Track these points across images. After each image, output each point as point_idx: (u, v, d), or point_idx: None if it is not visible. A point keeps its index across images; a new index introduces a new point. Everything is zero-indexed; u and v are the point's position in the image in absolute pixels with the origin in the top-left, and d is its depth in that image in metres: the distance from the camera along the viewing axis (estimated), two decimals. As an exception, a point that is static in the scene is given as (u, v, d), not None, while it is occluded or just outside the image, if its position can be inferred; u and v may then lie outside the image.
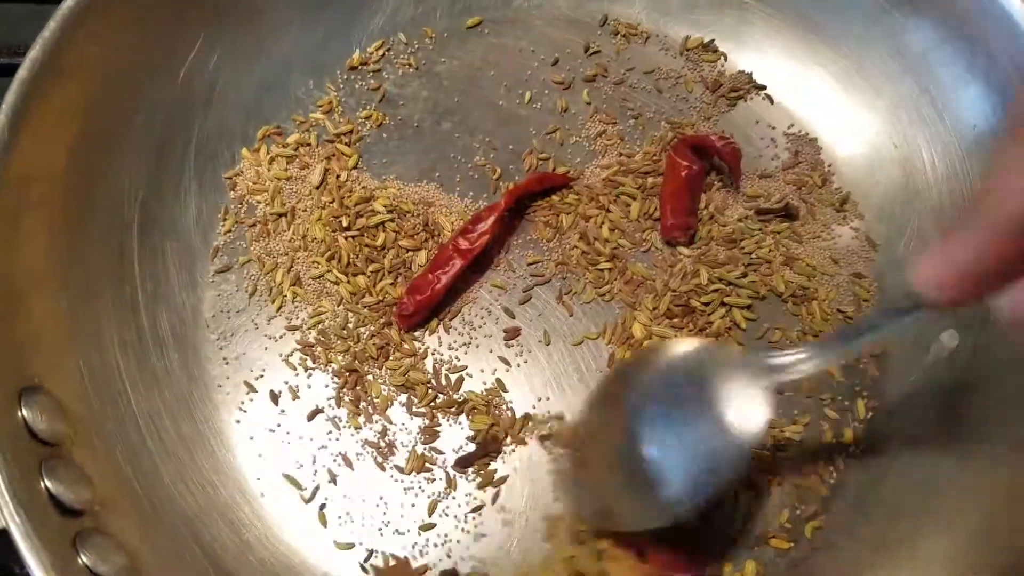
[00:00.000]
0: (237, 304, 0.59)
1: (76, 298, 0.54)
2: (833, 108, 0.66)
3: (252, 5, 0.63)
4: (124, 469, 0.51)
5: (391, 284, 0.59)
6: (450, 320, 0.58)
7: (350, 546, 0.52)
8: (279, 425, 0.56)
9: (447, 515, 0.53)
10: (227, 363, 0.57)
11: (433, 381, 0.56)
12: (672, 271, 0.60)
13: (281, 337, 0.58)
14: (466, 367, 0.57)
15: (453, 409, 0.56)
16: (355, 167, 0.63)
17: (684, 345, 0.50)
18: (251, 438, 0.55)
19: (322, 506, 0.53)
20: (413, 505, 0.53)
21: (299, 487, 0.54)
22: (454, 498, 0.54)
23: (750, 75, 0.67)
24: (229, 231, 0.61)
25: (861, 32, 0.64)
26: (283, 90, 0.65)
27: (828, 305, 0.60)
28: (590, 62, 0.68)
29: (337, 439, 0.55)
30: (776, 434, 0.56)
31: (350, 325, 0.58)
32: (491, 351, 0.58)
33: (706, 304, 0.59)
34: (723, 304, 0.59)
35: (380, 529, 0.53)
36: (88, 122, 0.55)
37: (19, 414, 0.45)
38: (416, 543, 0.53)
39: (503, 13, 0.69)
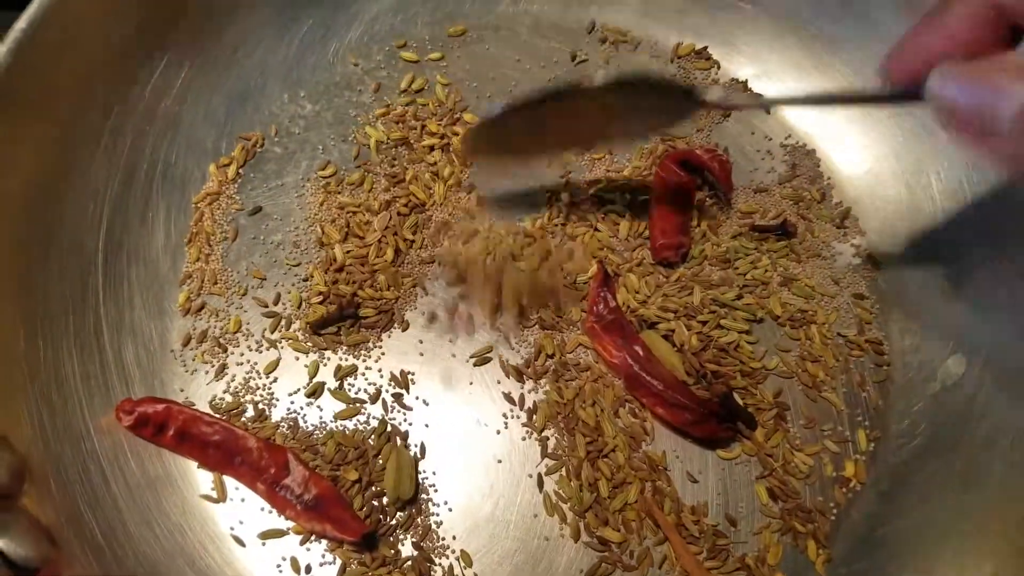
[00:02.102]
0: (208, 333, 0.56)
1: (35, 331, 0.51)
2: (833, 119, 0.63)
3: (222, 18, 0.60)
4: (85, 516, 0.48)
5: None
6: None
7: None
8: (251, 462, 0.53)
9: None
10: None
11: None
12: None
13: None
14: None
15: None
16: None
17: None
18: (223, 478, 0.53)
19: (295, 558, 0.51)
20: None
21: (279, 534, 0.51)
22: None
23: (745, 83, 0.64)
24: (198, 259, 0.58)
25: (860, 39, 0.60)
26: (256, 104, 0.62)
27: (828, 329, 0.57)
28: (577, 71, 0.64)
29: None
30: (783, 465, 0.53)
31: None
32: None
33: (703, 323, 0.56)
34: (720, 327, 0.56)
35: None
36: (48, 147, 0.52)
37: (-32, 465, 0.43)
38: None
39: (487, 20, 0.65)
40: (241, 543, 0.51)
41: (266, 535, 0.51)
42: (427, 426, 0.54)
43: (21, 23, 0.50)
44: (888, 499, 0.53)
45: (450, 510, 0.52)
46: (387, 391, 0.55)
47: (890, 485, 0.53)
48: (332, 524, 0.50)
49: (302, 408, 0.55)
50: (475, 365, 0.56)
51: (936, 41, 0.41)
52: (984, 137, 0.36)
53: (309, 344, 0.56)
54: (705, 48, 0.65)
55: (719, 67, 0.65)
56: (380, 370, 0.56)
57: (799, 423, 0.55)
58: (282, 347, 0.56)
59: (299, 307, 0.57)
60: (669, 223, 0.58)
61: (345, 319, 0.56)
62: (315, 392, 0.55)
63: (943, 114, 0.38)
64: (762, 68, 0.64)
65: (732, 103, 0.59)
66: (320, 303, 0.57)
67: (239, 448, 0.52)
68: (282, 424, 0.54)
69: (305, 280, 0.58)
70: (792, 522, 0.52)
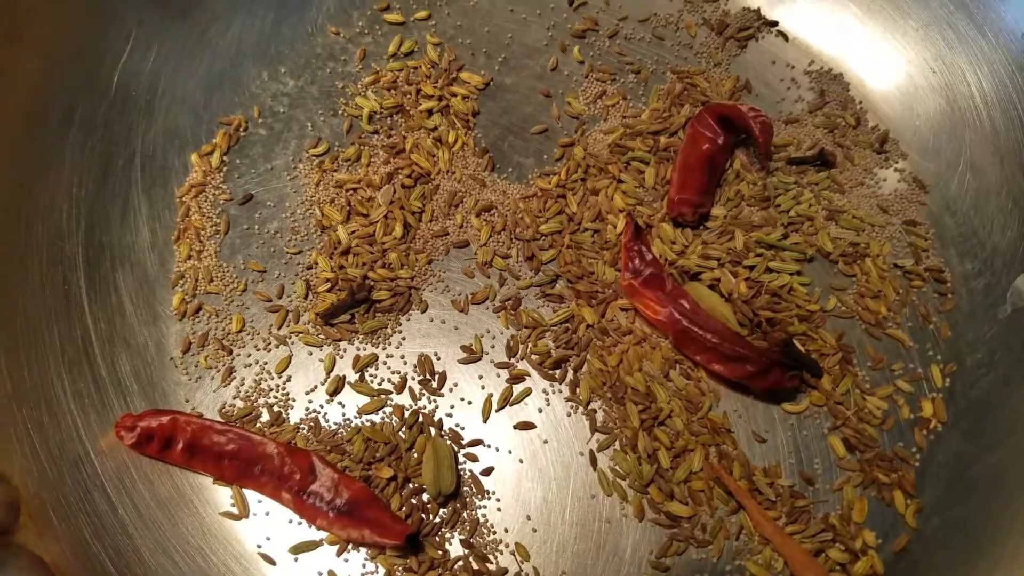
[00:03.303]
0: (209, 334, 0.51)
1: (16, 349, 0.46)
2: (857, 38, 0.58)
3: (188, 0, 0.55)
4: (92, 546, 0.43)
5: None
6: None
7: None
8: (272, 471, 0.48)
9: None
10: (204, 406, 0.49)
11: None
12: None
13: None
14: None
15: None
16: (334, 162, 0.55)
17: None
18: (243, 491, 0.47)
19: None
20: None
21: (312, 547, 0.46)
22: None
23: (758, 11, 0.60)
24: (189, 256, 0.52)
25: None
26: (234, 84, 0.57)
27: (883, 261, 0.52)
28: (577, 15, 0.60)
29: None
30: (856, 413, 0.49)
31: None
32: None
33: (750, 268, 0.52)
34: (769, 271, 0.52)
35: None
36: (12, 150, 0.47)
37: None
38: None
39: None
40: (271, 561, 0.46)
41: (298, 549, 0.46)
42: (461, 412, 0.49)
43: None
44: (973, 436, 0.49)
45: (498, 500, 0.47)
46: (413, 378, 0.50)
47: (973, 421, 0.49)
48: (370, 529, 0.45)
49: (322, 406, 0.49)
50: (506, 343, 0.51)
51: None
52: None
53: (322, 336, 0.51)
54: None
55: (729, -2, 0.60)
56: (403, 356, 0.51)
57: (867, 365, 0.50)
58: (293, 343, 0.51)
59: (306, 297, 0.52)
60: (693, 180, 0.53)
61: (358, 305, 0.51)
62: (335, 388, 0.50)
63: None
64: (775, -7, 0.60)
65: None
66: (328, 291, 0.52)
67: (257, 456, 0.47)
68: (302, 426, 0.49)
69: (309, 268, 0.53)
70: (874, 473, 0.48)
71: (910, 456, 0.48)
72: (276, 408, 0.49)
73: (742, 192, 0.54)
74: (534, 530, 0.47)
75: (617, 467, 0.48)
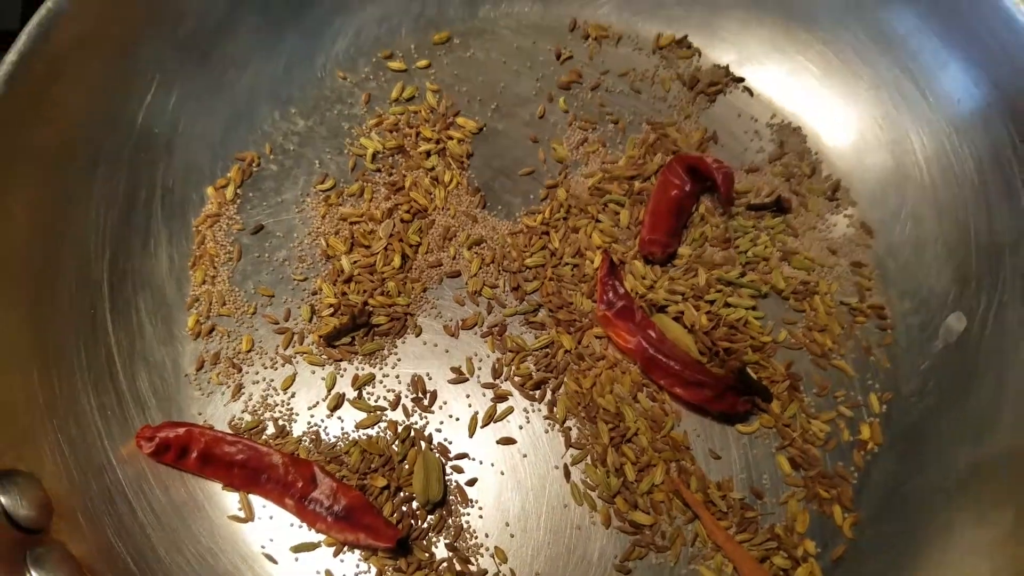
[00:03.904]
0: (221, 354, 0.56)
1: (48, 367, 0.51)
2: (815, 95, 0.64)
3: (208, 41, 0.60)
4: (115, 545, 0.48)
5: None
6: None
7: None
8: (277, 478, 0.53)
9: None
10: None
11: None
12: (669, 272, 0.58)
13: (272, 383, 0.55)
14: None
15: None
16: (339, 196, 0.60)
17: None
18: (250, 497, 0.52)
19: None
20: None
21: (311, 547, 0.51)
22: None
23: (727, 68, 0.66)
24: (203, 282, 0.57)
25: (837, 16, 0.62)
26: (249, 124, 0.62)
27: (830, 298, 0.58)
28: (563, 68, 0.65)
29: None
30: (801, 435, 0.54)
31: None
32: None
33: (711, 303, 0.57)
34: (727, 305, 0.57)
35: (394, 578, 0.50)
36: (45, 184, 0.52)
37: (-3, 503, 0.42)
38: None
39: (470, 25, 0.66)
40: (273, 560, 0.51)
41: (298, 549, 0.51)
42: (449, 428, 0.55)
43: (11, 56, 0.50)
44: (906, 458, 0.54)
45: (480, 508, 0.53)
46: (406, 396, 0.55)
47: (906, 444, 0.55)
48: (365, 533, 0.50)
49: (323, 420, 0.55)
50: (492, 366, 0.56)
51: None
52: None
53: (324, 357, 0.56)
54: (685, 37, 0.66)
55: (701, 55, 0.66)
56: (398, 376, 0.56)
57: (812, 392, 0.56)
58: (297, 362, 0.56)
59: (310, 321, 0.57)
60: (663, 223, 0.58)
61: (358, 329, 0.56)
62: (335, 404, 0.55)
63: None
64: (743, 52, 0.66)
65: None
66: (331, 315, 0.57)
67: (264, 465, 0.52)
68: (304, 438, 0.54)
69: (314, 294, 0.58)
70: (816, 489, 0.53)
71: (849, 475, 0.54)
72: (281, 422, 0.54)
73: (706, 234, 0.60)
74: (512, 535, 0.52)
75: (588, 479, 0.53)
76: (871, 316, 0.58)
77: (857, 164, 0.62)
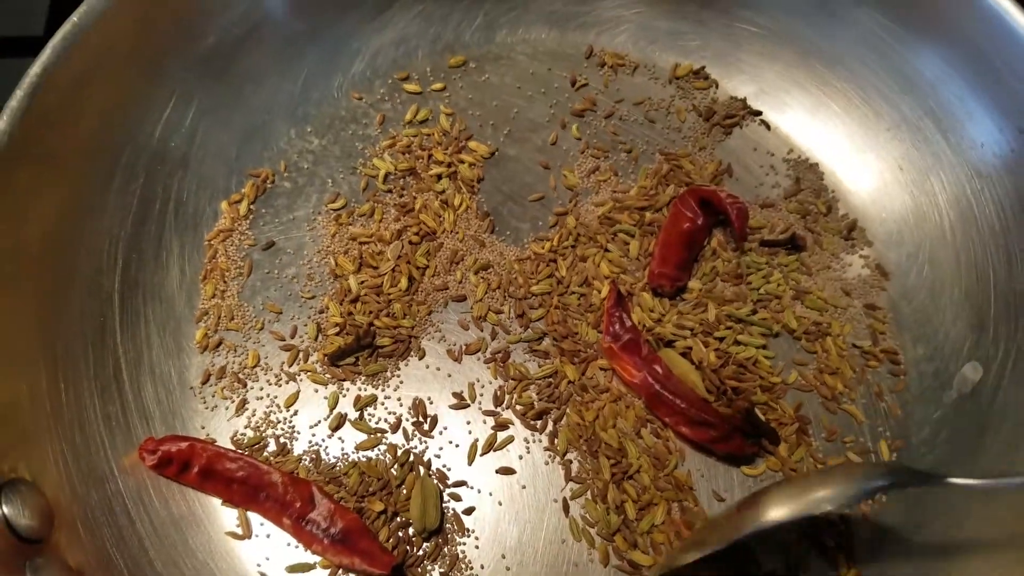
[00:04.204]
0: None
1: (56, 374, 0.51)
2: (834, 132, 0.64)
3: (228, 58, 0.60)
4: (113, 557, 0.48)
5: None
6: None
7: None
8: (275, 497, 0.53)
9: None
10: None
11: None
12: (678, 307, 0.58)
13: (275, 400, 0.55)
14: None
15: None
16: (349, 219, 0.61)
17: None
18: (248, 514, 0.52)
19: (324, 583, 0.51)
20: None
21: (306, 568, 0.51)
22: (462, 566, 0.51)
23: (744, 100, 0.65)
24: (213, 295, 0.58)
25: (859, 53, 0.62)
26: (264, 140, 0.63)
27: (843, 341, 0.57)
28: (578, 96, 0.65)
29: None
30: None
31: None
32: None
33: (720, 339, 0.57)
34: (737, 343, 0.57)
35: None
36: (62, 192, 0.53)
37: (0, 512, 0.42)
38: None
39: (486, 50, 0.66)
40: (268, 580, 0.51)
41: (293, 570, 0.51)
42: (449, 454, 0.54)
43: (35, 68, 0.51)
44: (914, 510, 0.53)
45: (477, 538, 0.52)
46: (407, 419, 0.55)
47: (915, 495, 0.53)
48: (360, 557, 0.50)
49: (324, 440, 0.55)
50: (494, 393, 0.56)
51: None
52: None
53: (328, 376, 0.56)
54: (703, 68, 0.66)
55: (718, 86, 0.66)
56: (399, 399, 0.56)
57: (821, 436, 0.55)
58: (301, 380, 0.56)
59: (316, 339, 0.57)
60: (673, 255, 0.58)
61: (362, 350, 0.56)
62: (337, 424, 0.55)
63: None
64: (761, 85, 0.65)
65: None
66: (337, 334, 0.57)
67: (264, 483, 0.52)
68: (304, 457, 0.54)
69: (321, 312, 0.58)
70: (821, 537, 0.52)
71: (855, 524, 0.53)
72: (282, 439, 0.54)
73: (717, 268, 0.59)
74: (508, 568, 0.51)
75: (587, 515, 0.53)
76: (884, 361, 0.57)
77: (874, 204, 0.62)
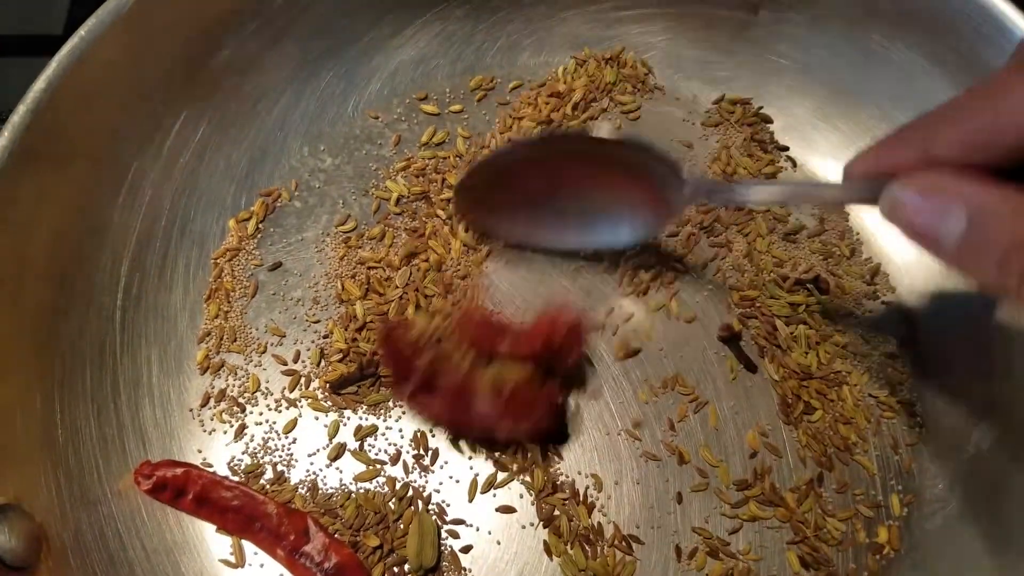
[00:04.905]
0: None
1: (51, 394, 0.51)
2: (860, 171, 0.61)
3: (241, 74, 0.59)
4: (101, 585, 0.47)
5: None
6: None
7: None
8: (270, 526, 0.52)
9: None
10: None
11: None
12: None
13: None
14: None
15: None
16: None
17: None
18: (242, 543, 0.52)
19: (316, 618, 0.50)
20: None
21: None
22: None
23: (771, 134, 0.63)
24: (216, 315, 0.57)
25: (892, 92, 0.59)
26: (276, 158, 0.61)
27: (859, 391, 0.56)
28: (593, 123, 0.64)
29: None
30: (815, 532, 0.52)
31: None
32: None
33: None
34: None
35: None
36: (66, 206, 0.52)
37: (-16, 541, 0.42)
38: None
39: (508, 72, 0.65)
40: (260, 611, 0.50)
41: (288, 603, 0.50)
42: (448, 489, 0.53)
43: (40, 83, 0.50)
44: (922, 567, 0.52)
45: (473, 578, 0.51)
46: (408, 452, 0.54)
47: (924, 553, 0.52)
48: (352, 596, 0.49)
49: (321, 469, 0.53)
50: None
51: (910, 155, 0.39)
52: (938, 252, 0.37)
53: (328, 404, 0.55)
54: (724, 96, 0.64)
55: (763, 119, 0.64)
56: (400, 430, 0.55)
57: (831, 487, 0.54)
58: (302, 406, 0.55)
59: (319, 365, 0.56)
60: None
61: (365, 379, 0.55)
62: (336, 454, 0.54)
63: (896, 221, 0.39)
64: (788, 120, 0.63)
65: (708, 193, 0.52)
66: (339, 361, 0.56)
67: (258, 513, 0.51)
68: (300, 486, 0.53)
69: (325, 337, 0.57)
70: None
71: (862, 579, 0.52)
72: (280, 467, 0.53)
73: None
74: (503, 610, 0.50)
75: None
76: (900, 412, 0.56)
77: (899, 249, 0.60)
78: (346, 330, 0.57)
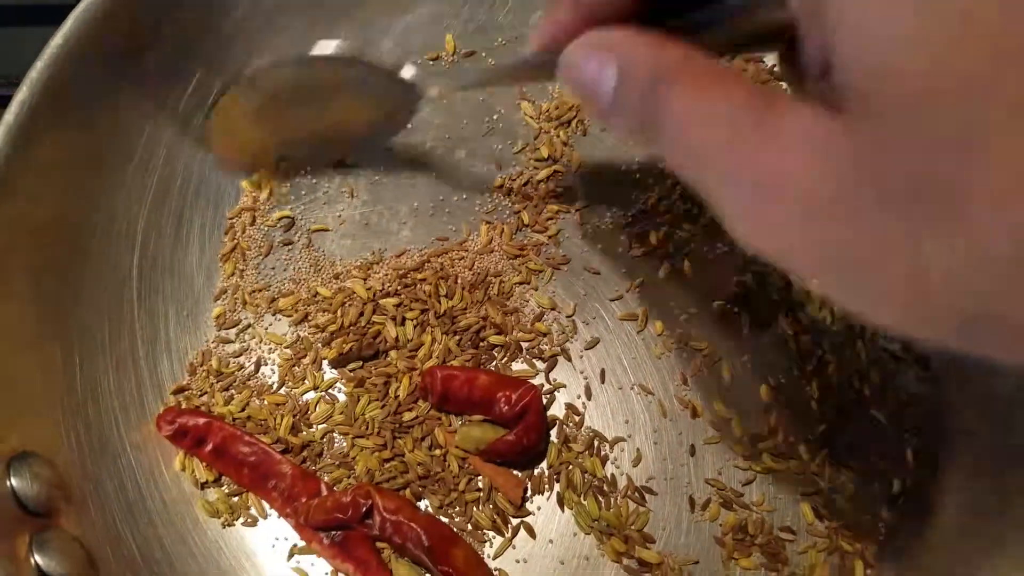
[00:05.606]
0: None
1: (71, 350, 0.51)
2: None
3: (254, 36, 0.60)
4: (122, 534, 0.48)
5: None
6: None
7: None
8: (287, 479, 0.52)
9: None
10: (232, 412, 0.54)
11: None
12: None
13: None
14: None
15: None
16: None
17: None
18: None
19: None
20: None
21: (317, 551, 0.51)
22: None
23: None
24: (232, 274, 0.57)
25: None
26: (290, 118, 0.62)
27: (873, 345, 0.56)
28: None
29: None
30: (828, 483, 0.52)
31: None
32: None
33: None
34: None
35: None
36: (82, 166, 0.53)
37: (7, 484, 0.42)
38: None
39: (522, 32, 0.64)
40: (278, 560, 0.51)
41: (304, 551, 0.51)
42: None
43: (57, 39, 0.50)
44: (935, 518, 0.51)
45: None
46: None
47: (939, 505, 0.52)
48: (354, 564, 0.49)
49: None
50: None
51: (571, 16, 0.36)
52: (599, 111, 0.34)
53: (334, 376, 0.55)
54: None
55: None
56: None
57: (846, 440, 0.53)
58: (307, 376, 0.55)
59: (324, 331, 0.56)
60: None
61: (364, 359, 0.55)
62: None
63: (569, 86, 0.36)
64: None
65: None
66: (339, 334, 0.55)
67: (274, 472, 0.51)
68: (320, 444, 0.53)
69: (334, 308, 0.57)
70: (839, 541, 0.51)
71: (876, 529, 0.51)
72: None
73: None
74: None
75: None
76: (914, 366, 0.55)
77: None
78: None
